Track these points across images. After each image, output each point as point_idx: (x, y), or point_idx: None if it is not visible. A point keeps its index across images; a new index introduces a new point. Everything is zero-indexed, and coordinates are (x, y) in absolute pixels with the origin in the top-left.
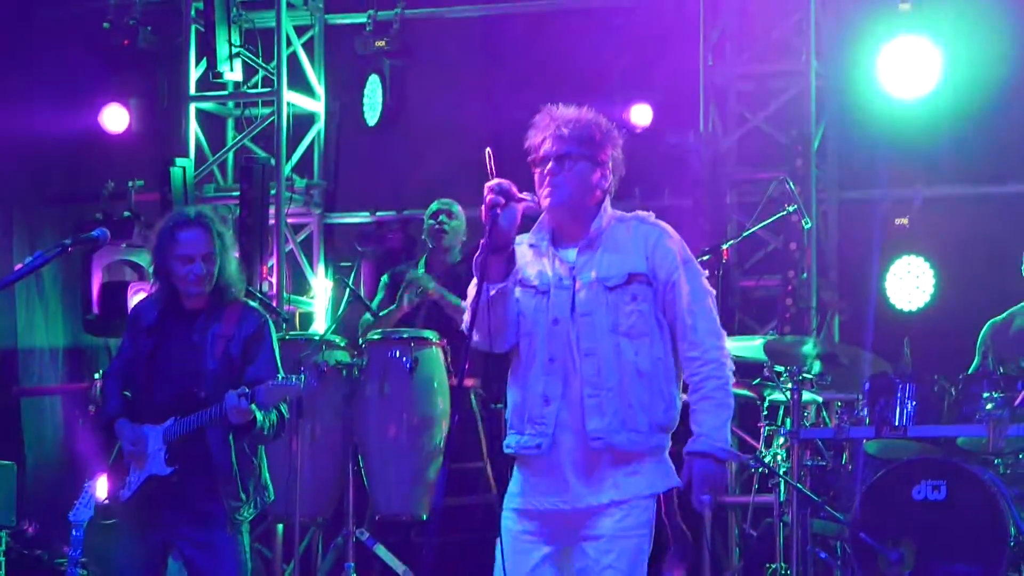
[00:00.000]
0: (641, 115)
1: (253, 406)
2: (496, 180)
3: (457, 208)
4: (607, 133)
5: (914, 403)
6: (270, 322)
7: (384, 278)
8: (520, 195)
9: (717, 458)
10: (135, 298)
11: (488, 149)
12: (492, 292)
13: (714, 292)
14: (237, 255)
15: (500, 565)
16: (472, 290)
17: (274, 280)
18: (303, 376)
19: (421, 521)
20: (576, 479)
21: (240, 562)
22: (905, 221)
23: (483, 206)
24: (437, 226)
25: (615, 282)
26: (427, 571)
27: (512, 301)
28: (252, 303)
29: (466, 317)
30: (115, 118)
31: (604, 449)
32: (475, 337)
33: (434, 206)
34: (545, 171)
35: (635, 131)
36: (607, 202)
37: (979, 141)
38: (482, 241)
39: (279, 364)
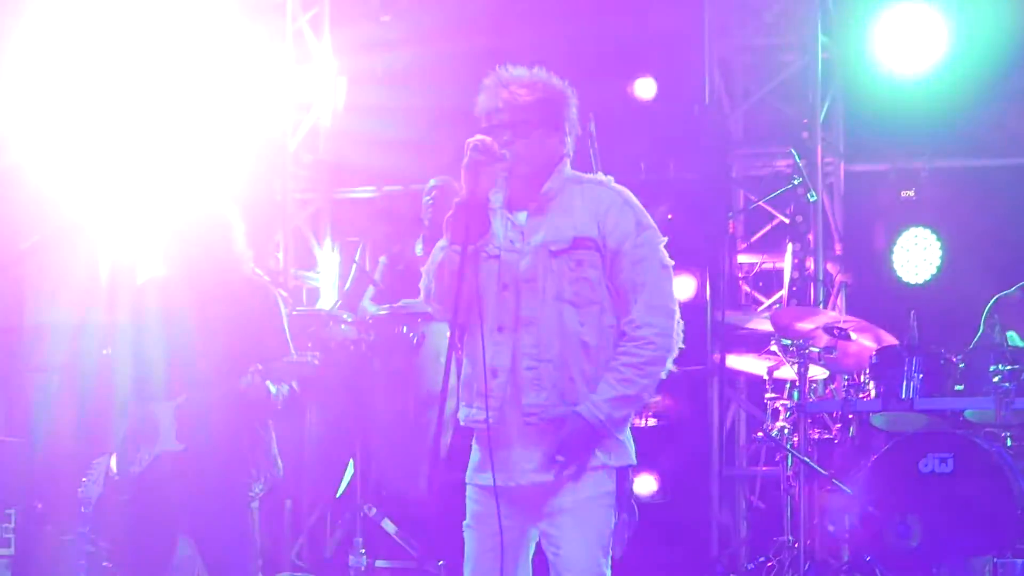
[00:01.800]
0: (645, 88)
1: (268, 383)
2: (479, 137)
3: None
4: (562, 95)
5: (921, 376)
6: (280, 298)
7: (382, 259)
8: (500, 152)
9: (591, 427)
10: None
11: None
12: (470, 250)
13: (671, 263)
14: (243, 232)
15: (469, 547)
16: (437, 254)
17: (281, 256)
18: (317, 354)
19: (427, 495)
20: (523, 455)
21: (249, 537)
22: (911, 193)
23: (463, 163)
24: (432, 203)
25: (559, 246)
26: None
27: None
28: (264, 280)
29: (425, 283)
30: None
31: (540, 424)
32: (438, 304)
33: (431, 182)
34: (501, 141)
35: (643, 104)
36: (565, 164)
37: (986, 113)
38: (456, 200)
39: (289, 340)
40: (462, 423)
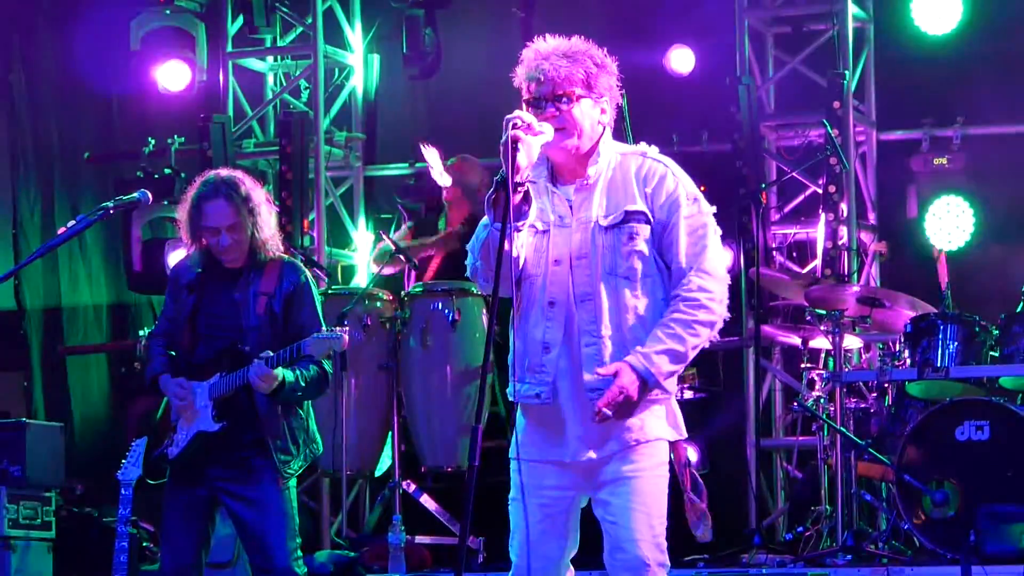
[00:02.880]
0: (682, 60)
1: (280, 369)
2: (517, 113)
3: (472, 162)
4: (602, 64)
5: (956, 344)
6: (310, 277)
7: (407, 224)
8: (539, 128)
9: (641, 378)
10: (173, 255)
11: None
12: (509, 230)
13: (719, 231)
14: (274, 210)
15: (514, 523)
16: (481, 232)
17: (315, 234)
18: (346, 328)
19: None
20: (576, 431)
21: (288, 516)
22: (944, 161)
23: (501, 140)
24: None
25: (612, 221)
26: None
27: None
28: (293, 258)
29: (471, 260)
30: (174, 75)
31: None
32: (484, 282)
33: (450, 161)
34: (545, 113)
35: (675, 77)
36: (607, 135)
37: (1019, 78)
38: (495, 178)
39: (321, 318)
40: (511, 399)
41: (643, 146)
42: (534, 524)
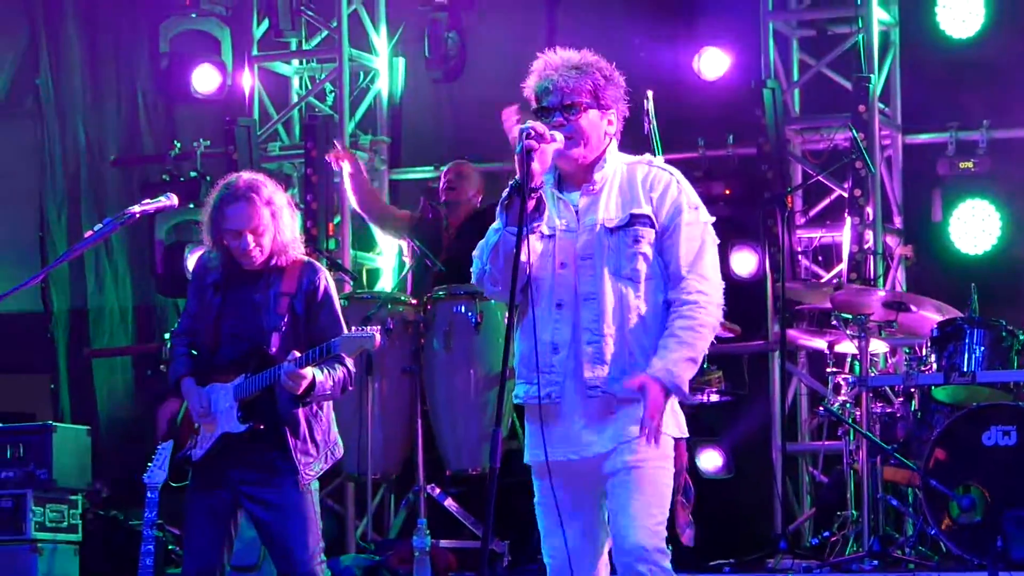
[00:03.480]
0: (712, 63)
1: (309, 369)
2: (530, 123)
3: (466, 169)
4: (610, 76)
5: (983, 348)
6: (330, 277)
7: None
8: (551, 137)
9: (667, 389)
10: (192, 259)
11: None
12: (524, 234)
13: (717, 241)
14: (297, 213)
15: (544, 524)
16: (491, 236)
17: (340, 238)
18: (378, 328)
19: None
20: (584, 428)
21: (311, 520)
22: (970, 164)
23: (515, 149)
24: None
25: (617, 223)
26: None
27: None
28: (314, 260)
29: (478, 265)
30: (205, 79)
31: (603, 397)
32: (493, 287)
33: (442, 168)
34: (553, 123)
35: (701, 79)
36: (613, 145)
37: None
38: (510, 183)
39: (342, 319)
40: (519, 401)
41: (648, 156)
42: (558, 524)
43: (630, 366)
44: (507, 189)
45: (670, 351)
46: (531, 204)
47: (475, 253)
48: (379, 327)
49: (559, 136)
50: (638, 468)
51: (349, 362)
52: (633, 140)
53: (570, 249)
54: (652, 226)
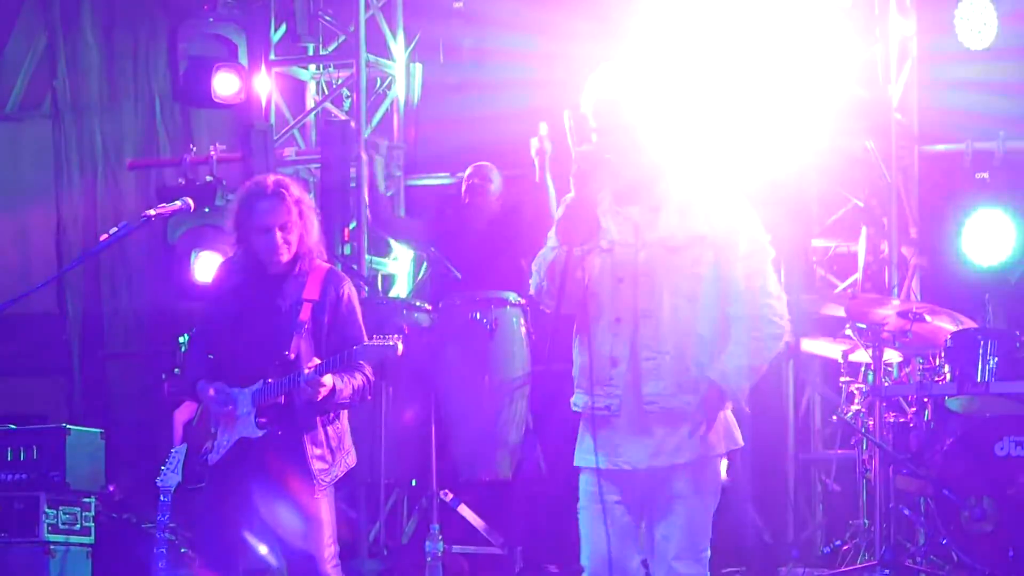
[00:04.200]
0: None
1: (328, 376)
2: (585, 147)
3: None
4: (660, 92)
5: (996, 359)
6: (352, 286)
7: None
8: (605, 158)
9: (724, 396)
10: (199, 263)
11: (566, 111)
12: (577, 253)
13: (774, 253)
14: (318, 220)
15: (587, 528)
16: (548, 253)
17: (356, 243)
18: (397, 337)
19: (505, 480)
20: (639, 441)
21: (325, 524)
22: (986, 175)
23: (572, 171)
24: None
25: (677, 243)
26: (520, 534)
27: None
28: (336, 267)
29: (536, 280)
30: (225, 84)
31: (660, 412)
32: (551, 301)
33: (466, 172)
34: (606, 141)
35: None
36: (670, 159)
37: None
38: (566, 202)
39: (362, 328)
40: (577, 409)
41: (708, 173)
42: (600, 529)
43: (687, 382)
44: (561, 207)
45: (729, 356)
46: (586, 222)
47: (533, 267)
48: (399, 336)
49: (614, 157)
50: (692, 498)
51: (368, 370)
52: None
53: (629, 264)
54: (711, 247)
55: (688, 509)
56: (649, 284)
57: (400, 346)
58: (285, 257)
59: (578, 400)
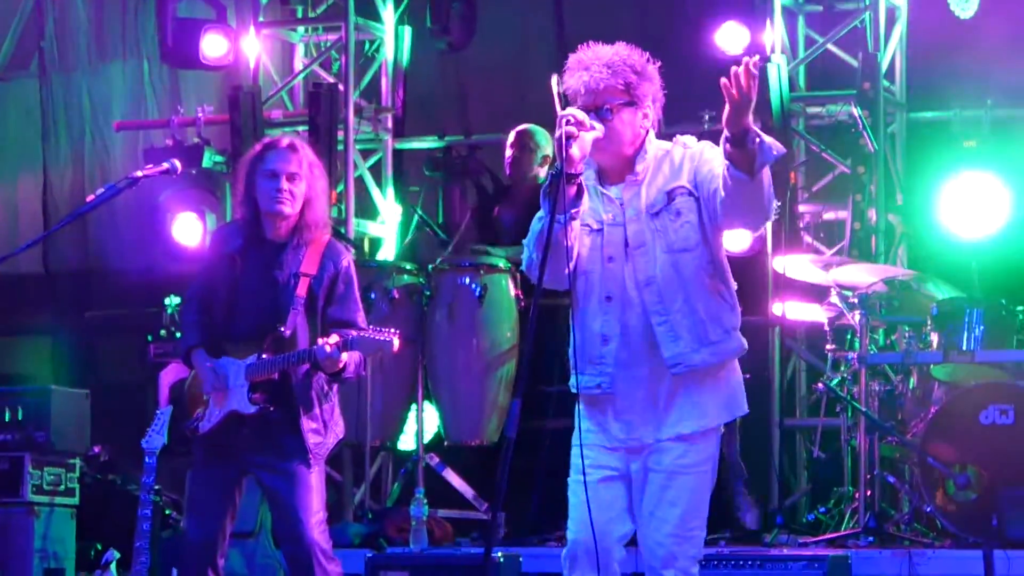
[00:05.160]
0: (731, 37)
1: (345, 355)
2: (571, 110)
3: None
4: (642, 71)
5: (982, 327)
6: (352, 262)
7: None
8: (590, 125)
9: (749, 133)
10: (176, 225)
11: (554, 76)
12: (562, 221)
13: (784, 150)
14: (332, 200)
15: (574, 501)
16: (535, 224)
17: (343, 206)
18: (395, 332)
19: (491, 446)
20: (636, 416)
21: (316, 490)
22: (974, 144)
23: (556, 136)
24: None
25: (658, 207)
26: (500, 498)
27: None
28: (338, 241)
29: (527, 253)
30: (213, 45)
31: (686, 373)
32: (539, 273)
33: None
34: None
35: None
36: (651, 135)
37: None
38: (550, 172)
39: (360, 305)
40: (573, 391)
41: (682, 138)
42: (589, 500)
43: (703, 334)
44: (548, 177)
45: None
46: (572, 191)
47: (524, 241)
48: (397, 332)
49: (598, 125)
50: (684, 475)
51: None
52: None
53: (618, 242)
54: (690, 194)
55: (678, 487)
56: (644, 252)
57: (396, 342)
58: (287, 210)
59: (572, 381)
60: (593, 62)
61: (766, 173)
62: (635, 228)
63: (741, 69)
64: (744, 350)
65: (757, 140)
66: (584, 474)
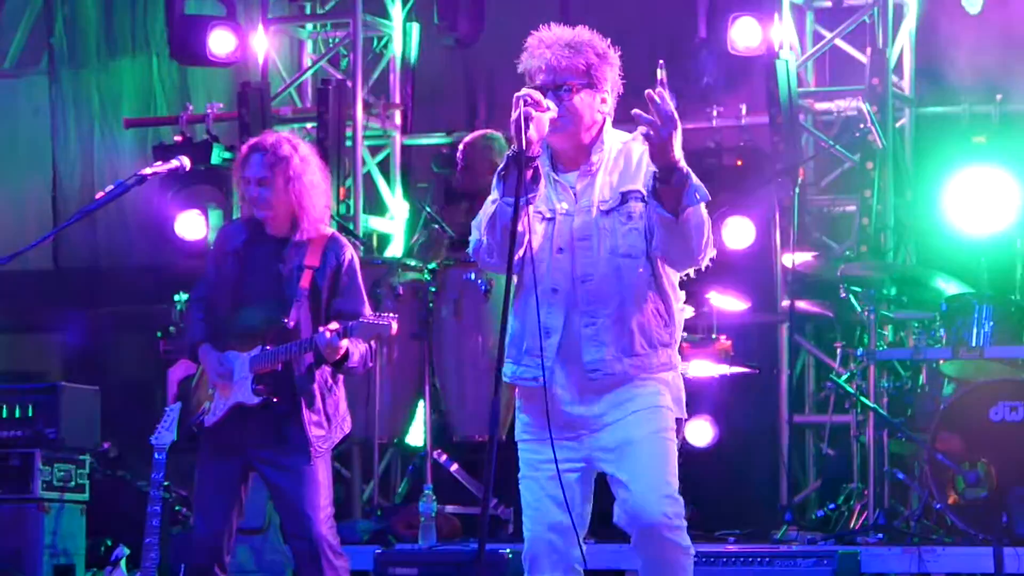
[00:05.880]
0: (745, 32)
1: (345, 341)
2: (527, 89)
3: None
4: (604, 55)
5: (991, 324)
6: (355, 254)
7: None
8: (547, 105)
9: (678, 167)
10: (180, 221)
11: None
12: (510, 204)
13: (708, 198)
14: (340, 194)
15: (528, 498)
16: (488, 207)
17: (352, 202)
18: (393, 316)
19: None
20: (576, 409)
21: (323, 485)
22: (983, 139)
23: (513, 117)
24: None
25: (610, 205)
26: (489, 491)
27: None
28: (341, 235)
29: (475, 236)
30: (221, 42)
31: (604, 379)
32: (489, 258)
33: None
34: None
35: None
36: (608, 124)
37: None
38: (507, 153)
39: (364, 296)
40: (507, 379)
41: (642, 131)
42: (543, 498)
43: (629, 346)
44: (503, 159)
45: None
46: (528, 174)
47: (473, 223)
48: (395, 316)
49: (554, 105)
50: (648, 440)
51: (372, 341)
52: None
53: (567, 233)
54: (642, 199)
55: (646, 450)
56: (587, 248)
57: (394, 325)
58: (265, 213)
59: (507, 370)
60: (555, 41)
61: (694, 215)
62: (583, 220)
63: (652, 92)
64: (672, 368)
65: (686, 181)
66: (556, 469)
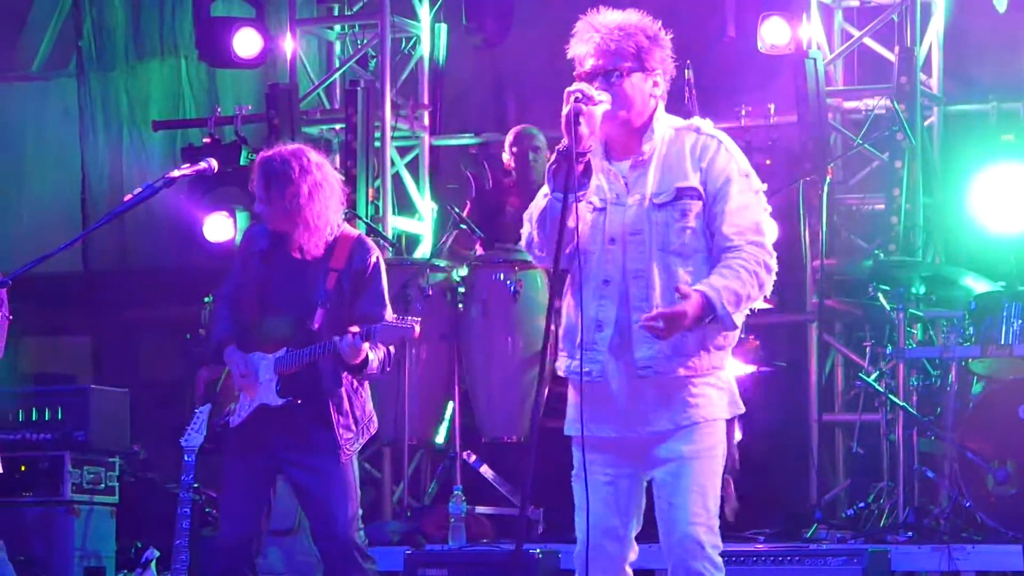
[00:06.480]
0: (775, 31)
1: (366, 345)
2: (577, 85)
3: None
4: (654, 37)
5: (1020, 322)
6: (381, 256)
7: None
8: (599, 99)
9: (711, 307)
10: (208, 224)
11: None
12: (570, 201)
13: (769, 209)
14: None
15: (579, 499)
16: (540, 202)
17: (380, 203)
18: (418, 319)
19: (527, 442)
20: (629, 408)
21: (350, 486)
22: (1011, 137)
23: (564, 112)
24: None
25: (664, 199)
26: (526, 494)
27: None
28: (368, 238)
29: (527, 230)
30: (247, 43)
31: (654, 377)
32: (540, 252)
33: (509, 136)
34: (597, 86)
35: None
36: (660, 109)
37: None
38: (558, 148)
39: (387, 300)
40: (561, 374)
41: (697, 120)
42: (596, 500)
43: (681, 343)
44: (554, 154)
45: (717, 275)
46: (579, 168)
47: (525, 216)
48: (418, 319)
49: (606, 97)
50: (692, 459)
51: (391, 346)
52: (674, 111)
53: (619, 224)
54: (700, 198)
55: (689, 473)
56: (638, 243)
57: (417, 328)
58: (273, 227)
59: (561, 363)
60: (604, 25)
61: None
62: (634, 214)
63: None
64: (723, 368)
65: (710, 319)
66: (585, 471)
